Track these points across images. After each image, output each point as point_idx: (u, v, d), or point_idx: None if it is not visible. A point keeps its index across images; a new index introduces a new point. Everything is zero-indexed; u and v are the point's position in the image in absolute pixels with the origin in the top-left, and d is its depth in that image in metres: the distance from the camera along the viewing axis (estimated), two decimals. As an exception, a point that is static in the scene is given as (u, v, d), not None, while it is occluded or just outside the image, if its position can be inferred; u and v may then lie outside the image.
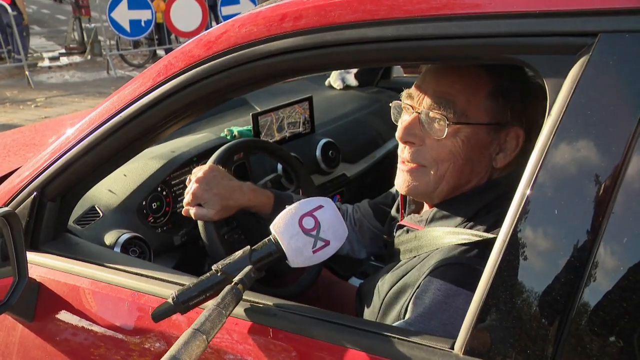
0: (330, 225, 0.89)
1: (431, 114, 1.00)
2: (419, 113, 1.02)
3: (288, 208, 0.90)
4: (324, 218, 0.89)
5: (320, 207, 0.90)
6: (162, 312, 0.87)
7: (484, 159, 1.02)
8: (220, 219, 1.29)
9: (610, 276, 0.65)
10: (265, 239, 0.91)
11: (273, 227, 0.90)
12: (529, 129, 1.00)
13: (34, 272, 1.11)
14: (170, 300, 0.86)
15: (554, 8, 0.71)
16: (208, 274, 0.88)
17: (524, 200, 0.70)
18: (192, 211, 1.28)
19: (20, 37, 7.89)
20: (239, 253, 0.90)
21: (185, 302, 0.86)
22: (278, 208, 1.36)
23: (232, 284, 0.83)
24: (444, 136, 0.99)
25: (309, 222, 0.88)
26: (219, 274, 0.87)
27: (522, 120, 1.01)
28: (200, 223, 1.30)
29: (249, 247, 0.91)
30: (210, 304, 0.81)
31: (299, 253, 0.88)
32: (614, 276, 0.65)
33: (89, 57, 9.24)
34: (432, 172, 1.03)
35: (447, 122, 0.98)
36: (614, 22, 0.67)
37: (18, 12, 8.16)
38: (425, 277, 0.95)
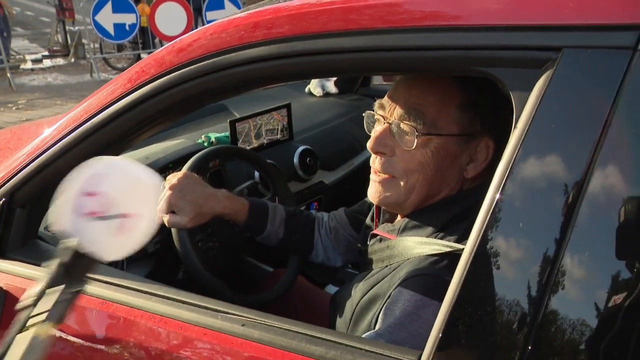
0: (118, 190, 0.69)
1: (402, 124, 1.00)
2: (390, 124, 1.02)
3: (57, 201, 0.71)
4: (105, 186, 0.69)
5: (94, 175, 0.70)
6: None
7: (455, 169, 1.03)
8: (194, 226, 1.28)
9: (575, 285, 0.66)
10: (58, 248, 0.74)
11: (54, 227, 0.73)
12: (500, 140, 1.01)
13: (0, 280, 1.09)
14: None
15: (521, 22, 0.72)
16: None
17: (490, 211, 0.70)
18: (166, 219, 1.27)
19: (1, 39, 7.79)
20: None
21: None
22: (253, 215, 1.36)
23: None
24: (414, 147, 0.99)
25: (89, 203, 0.67)
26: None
27: (493, 131, 1.01)
28: (174, 230, 1.29)
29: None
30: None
31: (103, 245, 0.70)
32: (579, 285, 0.65)
33: (72, 60, 9.14)
34: (402, 183, 1.03)
35: (416, 133, 0.99)
36: (577, 38, 0.68)
37: (-1, 14, 8.07)
38: (395, 288, 0.95)
